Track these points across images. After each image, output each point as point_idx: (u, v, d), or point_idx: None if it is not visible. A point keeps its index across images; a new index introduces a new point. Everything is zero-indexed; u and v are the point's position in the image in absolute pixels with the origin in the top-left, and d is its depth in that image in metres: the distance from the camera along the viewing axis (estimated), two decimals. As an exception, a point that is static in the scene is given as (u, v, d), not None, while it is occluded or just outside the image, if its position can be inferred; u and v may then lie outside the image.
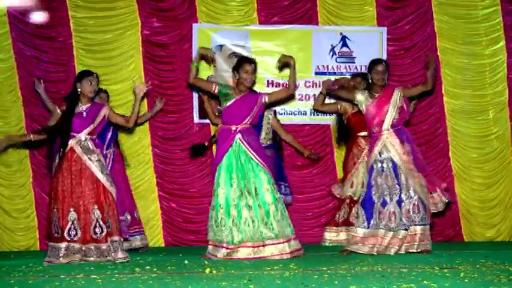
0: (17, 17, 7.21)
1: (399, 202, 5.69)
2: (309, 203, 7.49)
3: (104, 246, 5.34)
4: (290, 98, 6.62)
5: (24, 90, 7.25)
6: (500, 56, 7.60)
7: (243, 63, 5.69)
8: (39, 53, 7.29)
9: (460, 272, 4.31)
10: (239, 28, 7.47)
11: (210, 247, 5.61)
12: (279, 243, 5.47)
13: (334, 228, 6.86)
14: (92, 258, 5.31)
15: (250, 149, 5.61)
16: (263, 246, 5.45)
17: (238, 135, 5.64)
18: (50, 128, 5.55)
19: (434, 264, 4.72)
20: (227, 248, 5.48)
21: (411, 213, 5.68)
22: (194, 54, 7.32)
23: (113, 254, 5.32)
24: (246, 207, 5.51)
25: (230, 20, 7.49)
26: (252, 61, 5.73)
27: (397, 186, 5.71)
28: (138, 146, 7.37)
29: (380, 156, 5.78)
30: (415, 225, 5.69)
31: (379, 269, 4.52)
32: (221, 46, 7.43)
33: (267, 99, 5.73)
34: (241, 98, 5.67)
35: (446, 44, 7.58)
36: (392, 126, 5.80)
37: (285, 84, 7.36)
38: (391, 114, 5.80)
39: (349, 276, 4.18)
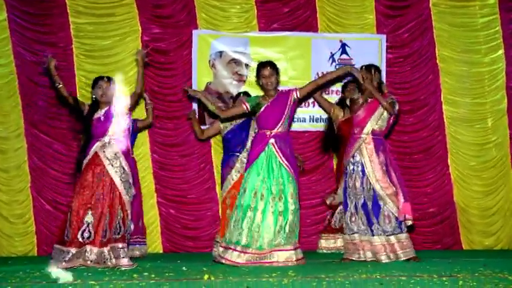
0: (17, 22, 7.23)
1: (364, 206, 5.68)
2: (307, 210, 7.44)
3: (105, 251, 5.33)
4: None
5: (24, 95, 7.27)
6: (500, 64, 7.63)
7: (259, 69, 5.64)
8: (40, 59, 7.28)
9: (459, 280, 4.30)
10: (239, 35, 7.49)
11: (220, 249, 5.56)
12: (286, 250, 5.44)
13: (331, 235, 6.87)
14: (89, 262, 5.28)
15: (281, 155, 5.55)
16: (270, 252, 5.42)
17: (272, 140, 5.57)
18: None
19: (433, 272, 4.71)
20: (234, 250, 5.44)
21: (382, 222, 5.64)
22: (194, 60, 7.38)
23: (114, 261, 5.30)
24: (263, 212, 5.47)
25: (230, 27, 7.51)
26: (266, 64, 5.63)
27: (361, 190, 5.71)
28: (138, 152, 7.34)
29: (353, 158, 5.79)
30: (388, 235, 5.64)
31: (378, 276, 4.51)
32: (221, 53, 7.45)
33: (298, 94, 5.62)
34: (271, 103, 5.60)
35: (446, 52, 7.60)
36: (373, 133, 5.78)
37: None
38: (375, 120, 5.78)
39: (347, 284, 4.17)
